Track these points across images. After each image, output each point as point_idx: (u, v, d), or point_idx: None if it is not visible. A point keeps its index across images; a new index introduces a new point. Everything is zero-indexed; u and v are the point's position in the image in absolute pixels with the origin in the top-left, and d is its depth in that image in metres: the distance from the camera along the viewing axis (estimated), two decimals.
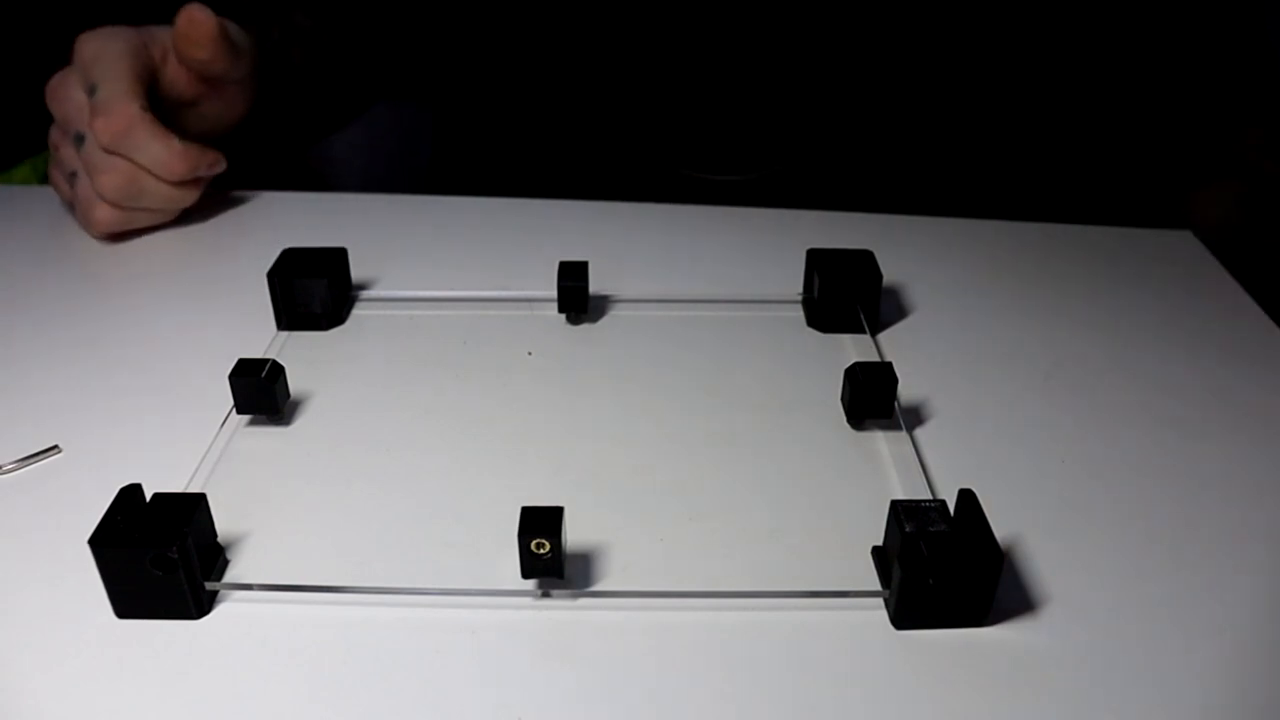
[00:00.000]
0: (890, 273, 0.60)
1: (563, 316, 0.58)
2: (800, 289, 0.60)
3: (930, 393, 0.52)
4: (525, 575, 0.40)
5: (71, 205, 0.66)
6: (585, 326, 0.58)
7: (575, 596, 0.40)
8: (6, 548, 0.42)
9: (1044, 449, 0.49)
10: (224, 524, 0.43)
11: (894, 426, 0.49)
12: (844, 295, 0.57)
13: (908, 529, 0.38)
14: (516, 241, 0.67)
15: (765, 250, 0.66)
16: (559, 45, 0.81)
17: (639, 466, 0.47)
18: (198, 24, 0.63)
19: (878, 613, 0.40)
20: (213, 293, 0.61)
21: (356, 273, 0.61)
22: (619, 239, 0.67)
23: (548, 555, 0.38)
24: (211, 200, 0.73)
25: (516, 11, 0.81)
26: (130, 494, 0.40)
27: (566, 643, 0.39)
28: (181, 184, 0.65)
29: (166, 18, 0.64)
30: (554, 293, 0.57)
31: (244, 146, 0.72)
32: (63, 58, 0.65)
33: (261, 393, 0.48)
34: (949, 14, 0.76)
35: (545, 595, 0.40)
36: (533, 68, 0.82)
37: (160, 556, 0.38)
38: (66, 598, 0.40)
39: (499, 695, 0.36)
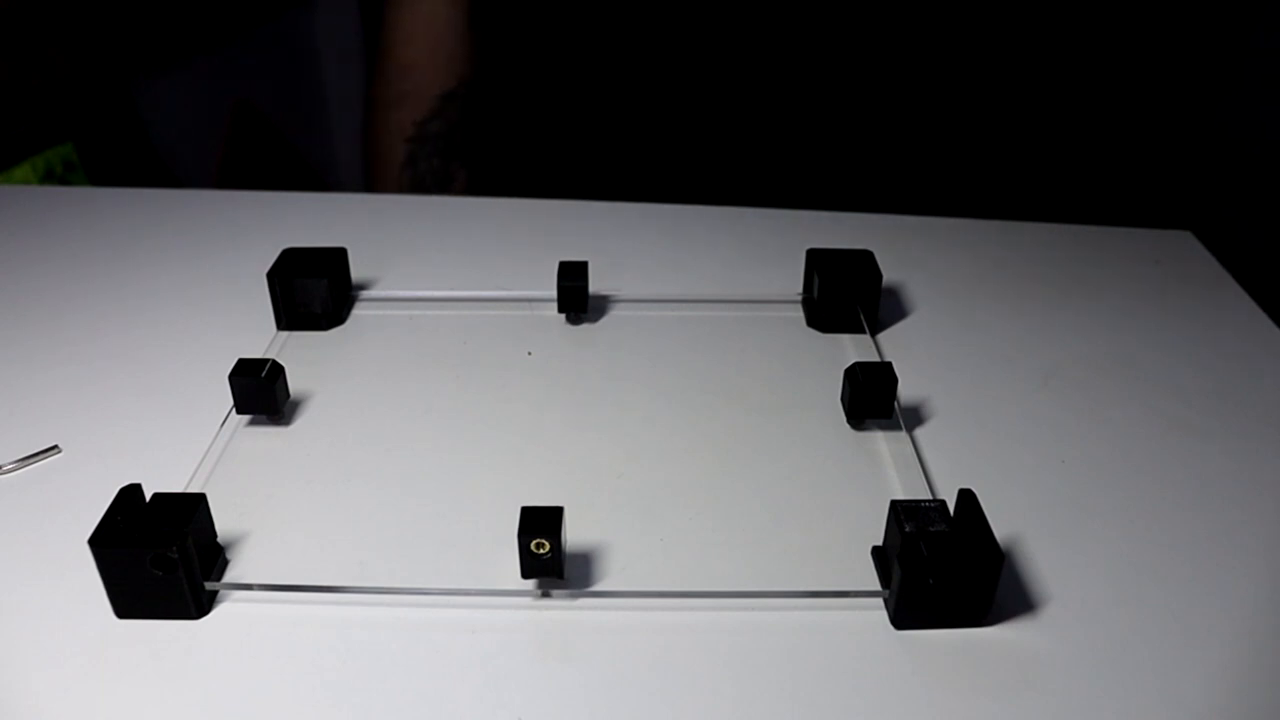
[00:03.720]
0: (890, 273, 0.60)
1: (563, 316, 0.58)
2: (800, 289, 0.60)
3: (930, 393, 0.52)
4: (525, 575, 0.40)
5: None
6: (585, 326, 0.58)
7: (575, 596, 0.40)
8: (6, 548, 0.42)
9: (1044, 449, 0.49)
10: (224, 524, 0.43)
11: (894, 426, 0.49)
12: (844, 295, 0.57)
13: (908, 529, 0.38)
14: (516, 241, 0.67)
15: (765, 250, 0.66)
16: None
17: (639, 467, 0.47)
18: None
19: (878, 613, 0.40)
20: (213, 293, 0.61)
21: (356, 273, 0.61)
22: (619, 239, 0.67)
23: (548, 555, 0.38)
24: (211, 200, 0.73)
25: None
26: (130, 494, 0.40)
27: (566, 643, 0.39)
28: None
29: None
30: (554, 293, 0.57)
31: None
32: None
33: (261, 393, 0.48)
34: (949, 14, 0.76)
35: (545, 595, 0.40)
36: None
37: (160, 556, 0.38)
38: (66, 598, 0.40)
39: (499, 695, 0.36)
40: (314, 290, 0.56)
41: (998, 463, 0.48)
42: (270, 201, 0.73)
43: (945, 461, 0.48)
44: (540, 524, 0.38)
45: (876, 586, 0.40)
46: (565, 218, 0.71)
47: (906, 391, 0.52)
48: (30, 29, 0.94)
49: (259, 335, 0.56)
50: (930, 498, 0.40)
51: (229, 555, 0.42)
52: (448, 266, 0.64)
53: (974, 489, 0.40)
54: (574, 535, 0.42)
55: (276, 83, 1.43)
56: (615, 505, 0.45)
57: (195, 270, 0.63)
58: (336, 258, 0.58)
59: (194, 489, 0.43)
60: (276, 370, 0.49)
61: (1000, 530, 0.40)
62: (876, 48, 0.78)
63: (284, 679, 0.37)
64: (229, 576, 0.41)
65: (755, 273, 0.63)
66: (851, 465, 0.47)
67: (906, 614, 0.39)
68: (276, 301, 0.56)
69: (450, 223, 0.70)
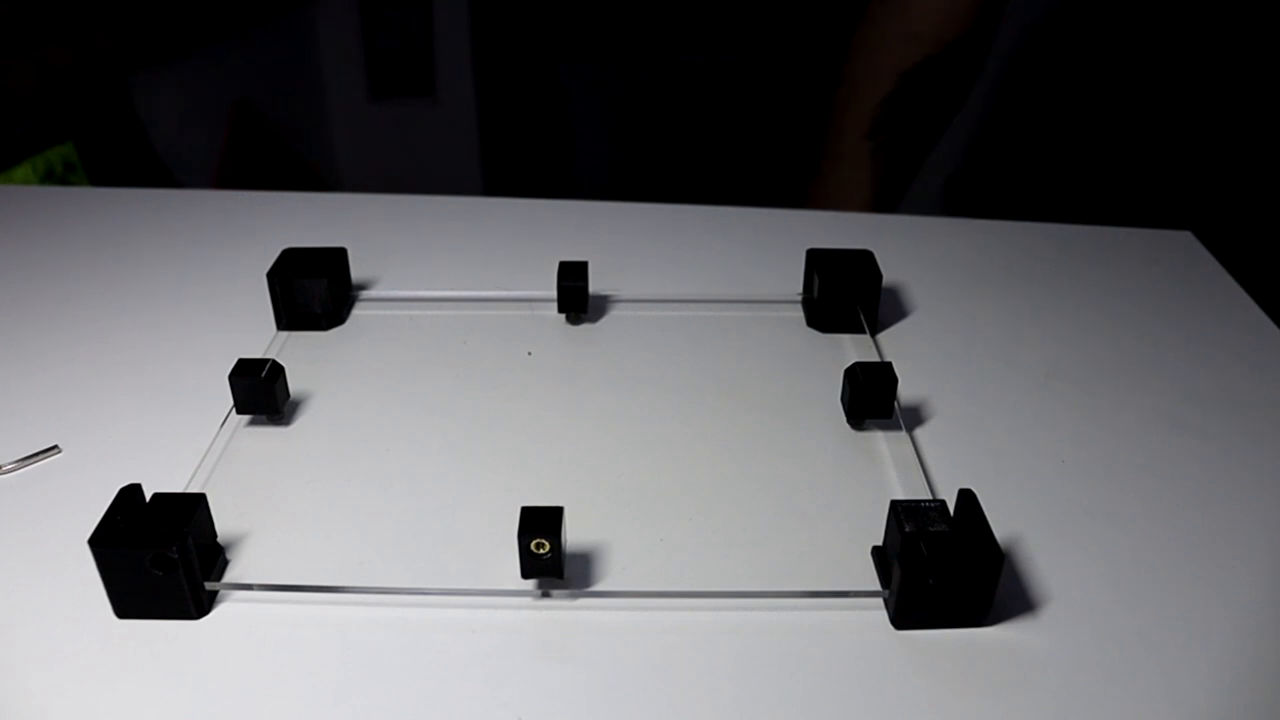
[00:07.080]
0: (890, 273, 0.60)
1: (563, 316, 0.58)
2: (800, 289, 0.60)
3: (930, 393, 0.52)
4: (525, 575, 0.40)
5: None
6: (585, 326, 0.58)
7: (575, 596, 0.40)
8: (6, 548, 0.42)
9: (1044, 449, 0.49)
10: (224, 524, 0.43)
11: (894, 426, 0.49)
12: (844, 295, 0.57)
13: (908, 529, 0.38)
14: (516, 241, 0.67)
15: (765, 250, 0.66)
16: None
17: (639, 466, 0.47)
18: None
19: (878, 613, 0.40)
20: (213, 293, 0.61)
21: (356, 273, 0.61)
22: (619, 239, 0.67)
23: (548, 555, 0.38)
24: (211, 200, 0.73)
25: None
26: (130, 494, 0.40)
27: (566, 643, 0.39)
28: None
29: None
30: (554, 293, 0.57)
31: None
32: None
33: (261, 393, 0.48)
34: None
35: (545, 595, 0.40)
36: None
37: (160, 556, 0.38)
38: (66, 598, 0.40)
39: (499, 695, 0.36)
40: (314, 290, 0.56)
41: (998, 463, 0.48)
42: (270, 201, 0.73)
43: (945, 461, 0.48)
44: (540, 524, 0.38)
45: (876, 586, 0.40)
46: (565, 218, 0.71)
47: (906, 391, 0.52)
48: (30, 28, 0.94)
49: (259, 335, 0.56)
50: (930, 498, 0.40)
51: (229, 555, 0.42)
52: (448, 266, 0.64)
53: (974, 489, 0.40)
54: (574, 535, 0.42)
55: (276, 83, 1.43)
56: (615, 505, 0.45)
57: (195, 270, 0.64)
58: (336, 258, 0.58)
59: (194, 489, 0.43)
60: (276, 370, 0.49)
61: (1000, 530, 0.40)
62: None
63: (284, 679, 0.37)
64: (229, 576, 0.41)
65: (755, 273, 0.63)
66: (851, 465, 0.47)
67: (906, 614, 0.39)
68: (276, 301, 0.56)
69: (450, 222, 0.70)
